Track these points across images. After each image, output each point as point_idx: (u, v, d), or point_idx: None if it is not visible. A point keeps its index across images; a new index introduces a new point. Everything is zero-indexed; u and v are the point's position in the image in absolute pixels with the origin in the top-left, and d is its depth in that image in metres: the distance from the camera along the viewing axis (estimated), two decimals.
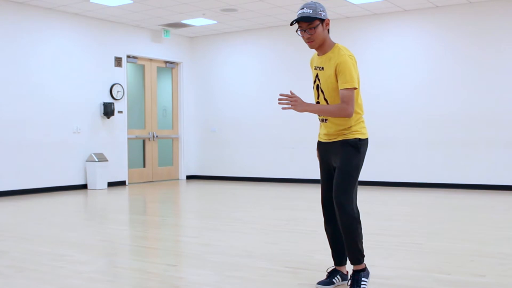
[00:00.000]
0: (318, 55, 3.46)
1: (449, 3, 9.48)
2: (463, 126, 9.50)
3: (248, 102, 11.75)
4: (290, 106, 3.28)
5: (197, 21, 10.85)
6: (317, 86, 3.42)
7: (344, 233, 3.35)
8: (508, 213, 6.85)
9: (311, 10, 3.30)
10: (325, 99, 3.39)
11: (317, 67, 3.42)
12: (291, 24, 3.34)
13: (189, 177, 12.52)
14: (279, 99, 3.31)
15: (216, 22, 10.91)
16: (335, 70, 3.28)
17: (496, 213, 6.83)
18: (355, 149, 3.36)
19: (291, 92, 3.34)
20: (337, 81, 3.29)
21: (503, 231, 5.53)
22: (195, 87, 12.56)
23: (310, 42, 3.35)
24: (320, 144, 3.57)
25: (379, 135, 10.05)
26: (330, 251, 3.64)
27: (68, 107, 10.04)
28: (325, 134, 3.49)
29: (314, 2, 3.35)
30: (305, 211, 7.13)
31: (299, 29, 3.34)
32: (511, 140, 9.11)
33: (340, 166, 3.37)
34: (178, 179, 12.42)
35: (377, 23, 10.28)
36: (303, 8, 3.31)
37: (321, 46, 3.39)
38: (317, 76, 3.42)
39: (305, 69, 10.03)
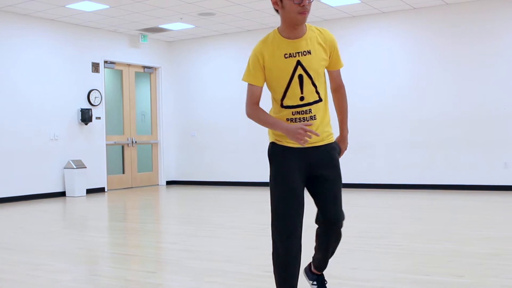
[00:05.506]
0: (289, 38, 2.81)
1: (426, 5, 9.57)
2: (442, 127, 9.59)
3: (228, 106, 11.72)
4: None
5: (175, 26, 10.82)
6: (300, 76, 2.81)
7: (333, 249, 3.09)
8: (488, 213, 6.94)
9: None
10: (314, 85, 2.84)
11: (298, 52, 2.81)
12: None
13: (169, 183, 12.46)
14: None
15: (194, 26, 10.89)
16: (331, 51, 2.89)
17: (475, 214, 6.91)
18: (338, 154, 3.01)
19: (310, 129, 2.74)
20: (326, 63, 2.90)
21: (483, 231, 5.59)
22: (173, 92, 12.51)
23: (305, 13, 2.73)
24: (292, 151, 2.87)
25: (359, 137, 10.08)
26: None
27: (45, 114, 9.92)
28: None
29: None
30: None
31: None
32: (490, 141, 9.22)
33: (334, 178, 2.92)
34: (158, 184, 12.35)
35: (355, 25, 10.34)
36: None
37: (303, 24, 2.82)
38: (298, 64, 2.80)
39: None
